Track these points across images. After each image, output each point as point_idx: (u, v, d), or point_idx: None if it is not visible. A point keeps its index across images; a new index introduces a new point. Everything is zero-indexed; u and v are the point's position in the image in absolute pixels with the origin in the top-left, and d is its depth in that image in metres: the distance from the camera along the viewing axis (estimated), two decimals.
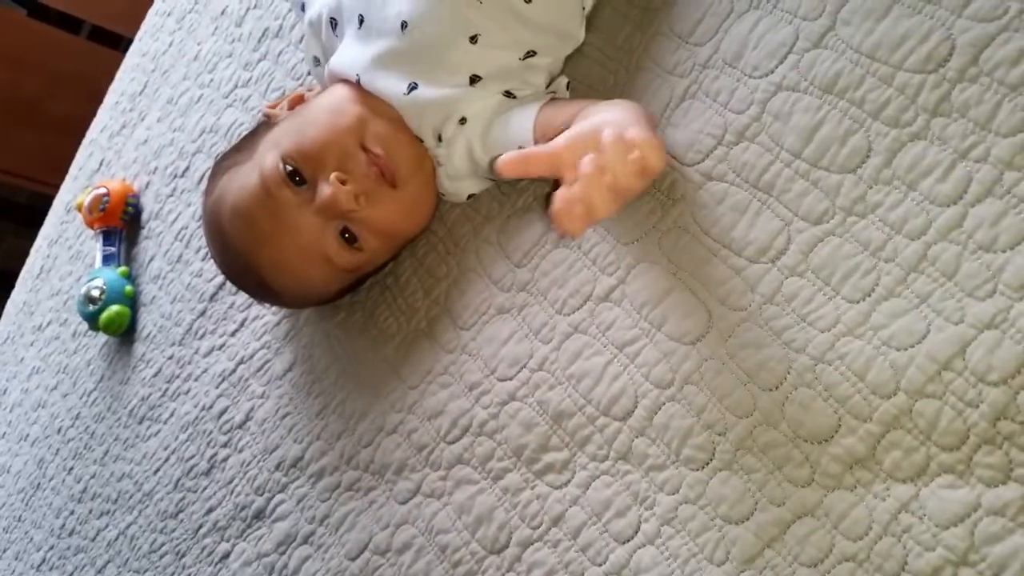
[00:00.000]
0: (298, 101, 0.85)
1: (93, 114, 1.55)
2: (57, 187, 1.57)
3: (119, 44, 2.27)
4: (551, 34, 0.73)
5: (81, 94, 2.03)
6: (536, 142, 0.68)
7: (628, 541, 0.59)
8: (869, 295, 0.53)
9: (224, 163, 0.83)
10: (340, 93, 0.77)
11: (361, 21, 0.75)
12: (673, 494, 0.58)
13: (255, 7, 1.16)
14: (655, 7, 0.70)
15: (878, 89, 0.56)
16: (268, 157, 0.75)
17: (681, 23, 0.68)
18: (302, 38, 1.04)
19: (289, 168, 0.74)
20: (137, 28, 1.49)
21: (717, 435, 0.57)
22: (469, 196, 0.79)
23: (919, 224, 0.52)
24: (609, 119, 0.60)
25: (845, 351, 0.53)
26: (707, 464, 0.57)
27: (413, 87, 0.72)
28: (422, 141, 0.75)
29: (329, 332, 0.89)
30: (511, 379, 0.70)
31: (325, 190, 0.72)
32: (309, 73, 1.01)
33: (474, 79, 0.71)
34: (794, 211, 0.58)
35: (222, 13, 1.23)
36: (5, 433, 1.42)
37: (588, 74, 0.74)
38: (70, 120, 1.98)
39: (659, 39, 0.69)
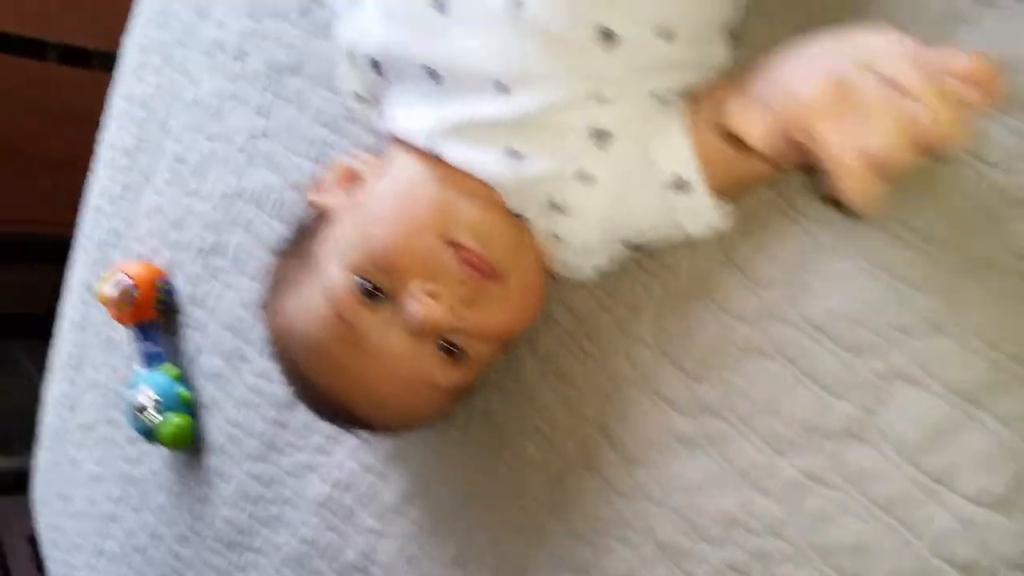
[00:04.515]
0: (350, 179, 0.66)
1: (75, 143, 1.36)
2: (51, 224, 1.39)
3: (90, 62, 2.04)
4: (692, 67, 0.54)
5: (61, 123, 1.84)
6: (704, 172, 0.53)
7: None
8: None
9: (279, 273, 0.66)
10: (409, 171, 0.59)
11: (434, 75, 0.55)
12: None
13: (252, 34, 0.95)
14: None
15: None
16: (333, 273, 0.58)
17: None
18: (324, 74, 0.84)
19: (364, 286, 0.57)
20: (106, 40, 1.27)
21: None
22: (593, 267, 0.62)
23: None
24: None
25: None
26: None
27: (515, 155, 0.54)
28: (520, 217, 0.58)
29: (443, 454, 0.73)
30: (725, 545, 0.54)
31: (415, 310, 0.55)
32: (352, 105, 0.82)
33: (597, 134, 0.53)
34: None
35: (213, 43, 1.02)
36: (79, 544, 1.29)
37: None
38: (52, 153, 1.80)
39: None
